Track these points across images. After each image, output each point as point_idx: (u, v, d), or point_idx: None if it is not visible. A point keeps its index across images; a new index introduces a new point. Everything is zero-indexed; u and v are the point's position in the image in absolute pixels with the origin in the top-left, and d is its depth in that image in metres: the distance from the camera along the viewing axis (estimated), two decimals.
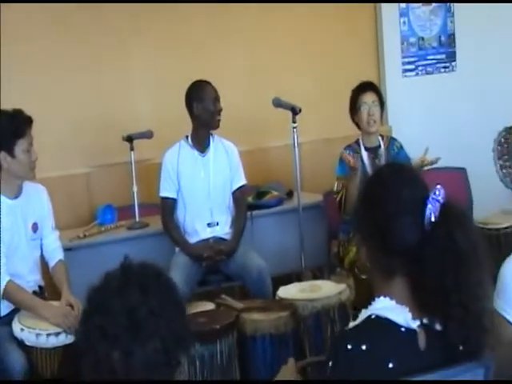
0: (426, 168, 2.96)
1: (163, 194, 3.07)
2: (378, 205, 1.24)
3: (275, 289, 2.74)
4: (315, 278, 3.22)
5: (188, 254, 2.98)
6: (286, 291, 2.67)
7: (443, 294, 1.17)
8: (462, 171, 3.81)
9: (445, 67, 4.48)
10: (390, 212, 1.22)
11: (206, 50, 3.84)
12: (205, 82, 3.07)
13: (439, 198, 1.19)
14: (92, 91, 3.64)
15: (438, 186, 1.22)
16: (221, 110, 3.04)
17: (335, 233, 3.32)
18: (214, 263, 2.98)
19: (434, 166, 3.02)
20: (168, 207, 3.07)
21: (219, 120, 3.05)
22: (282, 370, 1.51)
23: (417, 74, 4.42)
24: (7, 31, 3.34)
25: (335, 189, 3.15)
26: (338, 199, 3.11)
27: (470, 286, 1.18)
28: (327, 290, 2.63)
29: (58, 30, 3.56)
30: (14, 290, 2.38)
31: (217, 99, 3.04)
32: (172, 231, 3.05)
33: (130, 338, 1.01)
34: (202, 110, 3.01)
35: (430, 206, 1.19)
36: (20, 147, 2.43)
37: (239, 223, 3.11)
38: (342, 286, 2.64)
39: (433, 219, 1.18)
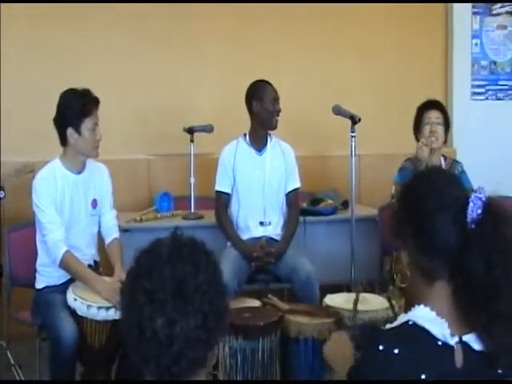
0: None
1: (218, 188, 3.09)
2: (420, 200, 1.21)
3: (323, 297, 2.69)
4: (365, 291, 3.15)
5: (238, 250, 2.98)
6: (333, 299, 2.62)
7: (491, 290, 1.13)
8: None
9: None
10: (432, 207, 1.18)
11: (272, 52, 3.87)
12: (266, 81, 3.08)
13: (481, 196, 1.16)
14: (160, 82, 3.74)
15: (480, 187, 1.19)
16: (279, 110, 3.04)
17: (389, 249, 3.24)
18: (263, 264, 2.96)
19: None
20: (222, 201, 3.08)
21: (277, 121, 3.05)
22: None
23: (486, 98, 4.30)
24: (84, 22, 3.46)
25: (393, 192, 3.08)
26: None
27: None
28: (375, 303, 2.56)
29: (133, 23, 3.68)
30: (71, 259, 2.44)
31: (276, 100, 3.04)
32: (225, 225, 3.06)
33: (175, 308, 1.00)
34: (261, 109, 3.02)
35: (471, 204, 1.16)
36: (86, 125, 2.49)
37: (291, 226, 3.09)
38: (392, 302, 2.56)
39: (475, 216, 1.15)
